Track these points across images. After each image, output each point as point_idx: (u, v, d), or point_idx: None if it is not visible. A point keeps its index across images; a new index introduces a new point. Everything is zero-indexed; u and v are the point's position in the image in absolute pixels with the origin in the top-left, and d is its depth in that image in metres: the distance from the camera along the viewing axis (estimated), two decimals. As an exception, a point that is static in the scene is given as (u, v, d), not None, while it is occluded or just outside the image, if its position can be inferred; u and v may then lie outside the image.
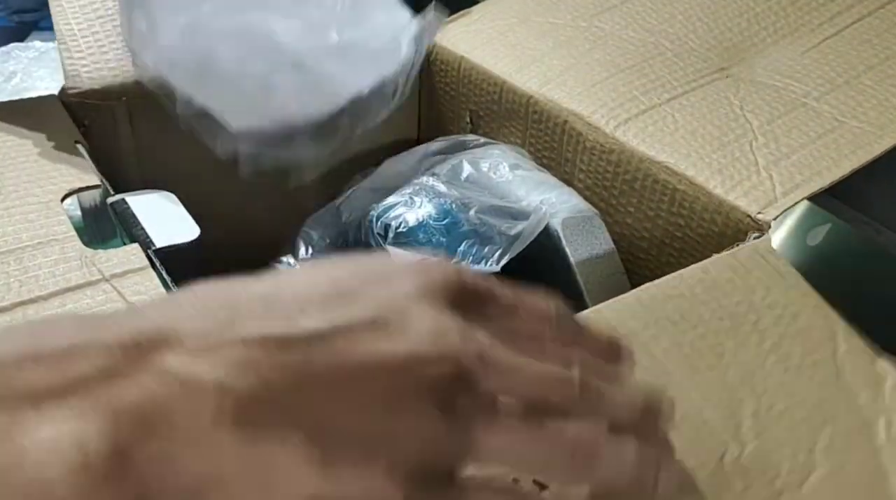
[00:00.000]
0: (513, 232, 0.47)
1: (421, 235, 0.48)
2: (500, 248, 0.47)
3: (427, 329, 0.23)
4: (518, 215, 0.48)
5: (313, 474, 0.21)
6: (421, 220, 0.49)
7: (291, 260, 0.61)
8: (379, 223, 0.50)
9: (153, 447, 0.19)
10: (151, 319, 0.22)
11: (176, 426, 0.20)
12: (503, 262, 0.47)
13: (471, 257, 0.47)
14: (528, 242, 0.47)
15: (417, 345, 0.23)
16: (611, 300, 0.39)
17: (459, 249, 0.48)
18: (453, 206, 0.49)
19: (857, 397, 0.35)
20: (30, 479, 0.18)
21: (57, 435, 0.19)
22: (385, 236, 0.49)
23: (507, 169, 0.54)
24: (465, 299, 0.25)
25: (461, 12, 0.68)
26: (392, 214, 0.50)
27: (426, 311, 0.23)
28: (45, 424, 0.19)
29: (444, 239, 0.48)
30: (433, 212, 0.49)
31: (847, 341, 0.37)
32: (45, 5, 0.61)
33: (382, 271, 0.25)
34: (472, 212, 0.49)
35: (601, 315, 0.38)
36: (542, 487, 0.29)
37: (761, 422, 0.34)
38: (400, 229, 0.49)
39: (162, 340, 0.21)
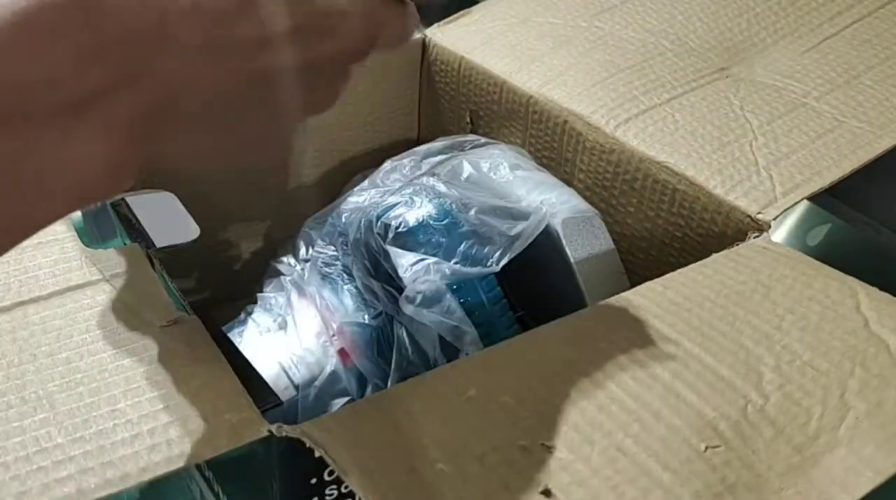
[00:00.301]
0: (513, 232, 0.47)
1: (421, 236, 0.48)
2: (500, 248, 0.47)
3: None
4: (518, 216, 0.48)
5: None
6: (421, 220, 0.49)
7: (292, 260, 0.61)
8: (379, 223, 0.50)
9: None
10: None
11: None
12: (503, 262, 0.47)
13: (470, 258, 0.47)
14: (528, 243, 0.47)
15: None
16: (612, 298, 0.39)
17: (459, 249, 0.48)
18: (453, 206, 0.49)
19: (887, 343, 0.35)
20: None
21: None
22: (385, 236, 0.49)
23: (507, 169, 0.54)
24: None
25: (461, 12, 0.68)
26: (392, 214, 0.50)
27: None
28: None
29: (443, 239, 0.48)
30: (433, 212, 0.49)
31: (870, 296, 0.38)
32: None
33: None
34: (472, 212, 0.49)
35: (602, 314, 0.38)
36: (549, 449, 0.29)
37: (784, 374, 0.34)
38: (400, 229, 0.49)
39: None
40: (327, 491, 0.35)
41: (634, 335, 0.36)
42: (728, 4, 0.63)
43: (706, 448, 0.31)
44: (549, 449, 0.30)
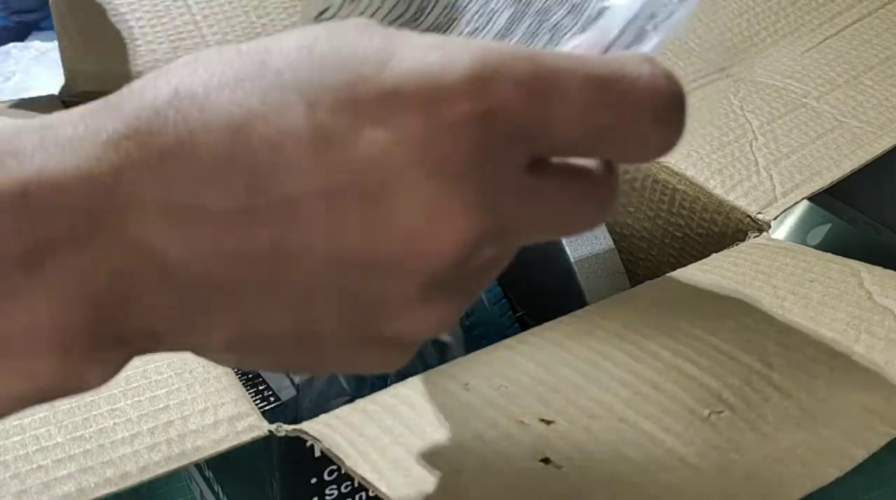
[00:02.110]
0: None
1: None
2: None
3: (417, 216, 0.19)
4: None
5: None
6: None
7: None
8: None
9: None
10: None
11: None
12: None
13: None
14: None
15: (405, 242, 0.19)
16: (612, 297, 0.39)
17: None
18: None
19: (893, 310, 0.35)
20: None
21: None
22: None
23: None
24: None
25: (461, 12, 0.68)
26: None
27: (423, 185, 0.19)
28: None
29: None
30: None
31: (872, 273, 0.38)
32: (45, 5, 0.61)
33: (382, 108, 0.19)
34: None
35: (602, 313, 0.38)
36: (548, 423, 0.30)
37: (788, 345, 0.34)
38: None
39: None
40: (327, 491, 0.35)
41: (634, 323, 0.36)
42: (728, 4, 0.63)
43: (710, 414, 0.31)
44: (547, 423, 0.30)
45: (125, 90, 0.20)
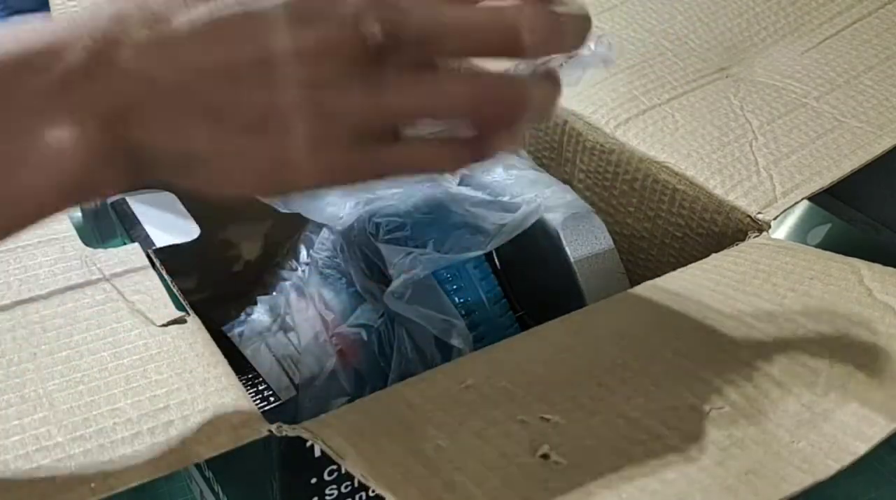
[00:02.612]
0: (504, 222, 0.47)
1: (410, 230, 0.48)
2: (491, 236, 0.47)
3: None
4: (510, 209, 0.48)
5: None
6: (410, 215, 0.49)
7: (293, 263, 0.61)
8: (371, 223, 0.50)
9: None
10: None
11: None
12: (492, 246, 0.47)
13: (460, 246, 0.47)
14: (520, 231, 0.47)
15: (330, 30, 0.25)
16: (612, 297, 0.39)
17: (449, 238, 0.48)
18: (444, 201, 0.49)
19: (893, 307, 0.35)
20: None
21: None
22: (376, 235, 0.49)
23: (501, 169, 0.54)
24: None
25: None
26: (382, 212, 0.50)
27: None
28: None
29: (433, 231, 0.48)
30: (422, 206, 0.49)
31: (872, 270, 0.38)
32: (46, 5, 0.61)
33: None
34: (463, 205, 0.49)
35: (602, 313, 0.38)
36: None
37: (788, 342, 0.34)
38: (389, 227, 0.49)
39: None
40: (327, 491, 0.35)
41: (634, 322, 0.36)
42: (728, 4, 0.63)
43: (710, 410, 0.31)
44: (547, 421, 0.30)
45: None
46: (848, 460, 0.28)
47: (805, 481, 0.27)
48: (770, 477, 0.28)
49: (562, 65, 0.35)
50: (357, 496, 0.36)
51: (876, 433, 0.29)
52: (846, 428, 0.30)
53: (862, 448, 0.29)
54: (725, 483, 0.27)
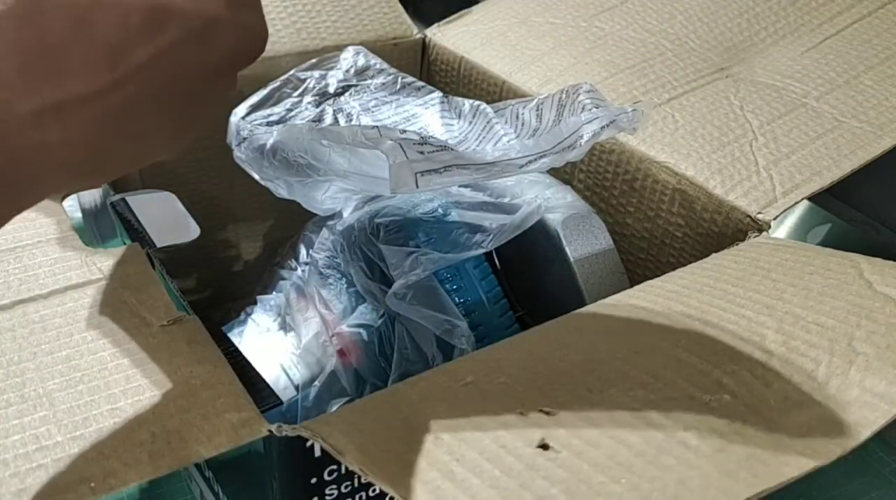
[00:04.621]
0: (505, 222, 0.47)
1: (411, 231, 0.48)
2: (491, 235, 0.47)
3: None
4: (511, 211, 0.48)
5: None
6: (411, 215, 0.49)
7: (293, 263, 0.61)
8: (372, 223, 0.50)
9: None
10: None
11: None
12: (492, 246, 0.47)
13: (461, 246, 0.47)
14: (521, 230, 0.47)
15: None
16: (611, 297, 0.39)
17: (449, 238, 0.48)
18: (445, 200, 0.49)
19: (894, 298, 0.35)
20: None
21: None
22: (377, 236, 0.49)
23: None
24: None
25: (461, 12, 0.68)
26: (383, 213, 0.50)
27: None
28: None
29: (434, 232, 0.48)
30: (424, 207, 0.49)
31: (872, 264, 0.38)
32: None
33: None
34: (464, 207, 0.49)
35: (602, 312, 0.38)
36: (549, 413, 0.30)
37: (787, 333, 0.34)
38: (390, 228, 0.49)
39: None
40: (327, 491, 0.35)
41: (633, 320, 0.37)
42: (728, 4, 0.63)
43: (710, 399, 0.31)
44: (547, 414, 0.30)
45: None
46: (850, 445, 0.28)
47: (807, 465, 0.27)
48: (771, 462, 0.28)
49: (604, 127, 0.38)
50: (357, 496, 0.36)
51: (878, 417, 0.29)
52: (848, 415, 0.30)
53: (864, 433, 0.29)
54: (726, 469, 0.27)
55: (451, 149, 0.41)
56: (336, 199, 0.50)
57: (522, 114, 0.48)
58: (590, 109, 0.41)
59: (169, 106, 0.26)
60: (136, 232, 0.47)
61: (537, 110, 0.48)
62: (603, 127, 0.40)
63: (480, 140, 0.52)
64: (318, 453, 0.33)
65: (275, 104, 0.52)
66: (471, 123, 0.51)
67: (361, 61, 0.56)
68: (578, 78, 0.57)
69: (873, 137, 0.50)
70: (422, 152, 0.39)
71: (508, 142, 0.49)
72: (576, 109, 0.43)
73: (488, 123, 0.50)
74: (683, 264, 0.42)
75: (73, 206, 0.55)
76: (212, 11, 0.25)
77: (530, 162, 0.40)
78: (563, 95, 0.46)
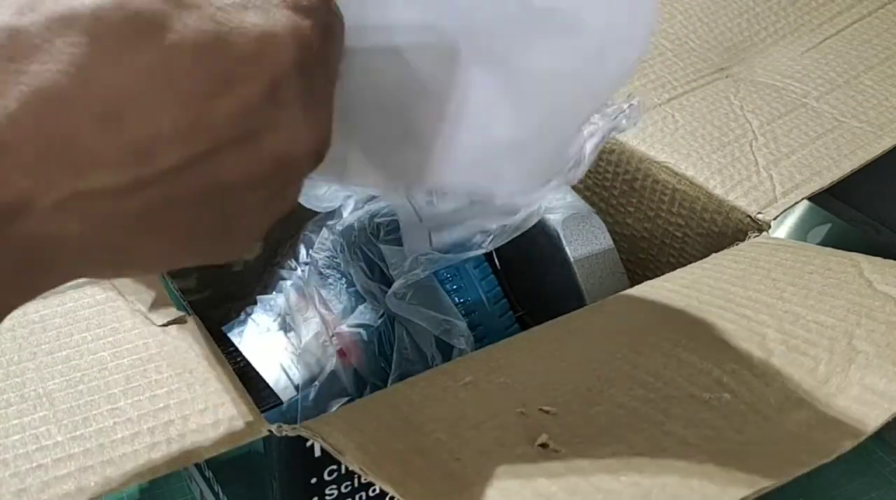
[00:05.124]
0: (505, 222, 0.47)
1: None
2: (491, 235, 0.47)
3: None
4: (511, 211, 0.48)
5: None
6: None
7: (293, 263, 0.61)
8: (372, 223, 0.50)
9: None
10: None
11: None
12: (492, 246, 0.47)
13: (460, 246, 0.47)
14: (521, 231, 0.47)
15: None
16: (612, 297, 0.39)
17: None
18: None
19: (894, 297, 0.35)
20: None
21: None
22: (377, 236, 0.49)
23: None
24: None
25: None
26: (383, 212, 0.50)
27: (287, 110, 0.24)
28: None
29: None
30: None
31: (872, 263, 0.38)
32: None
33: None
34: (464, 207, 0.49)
35: (602, 312, 0.39)
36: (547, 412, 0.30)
37: (787, 332, 0.34)
38: (390, 228, 0.49)
39: None
40: (327, 491, 0.35)
41: (633, 319, 0.37)
42: (728, 4, 0.63)
43: (710, 398, 0.31)
44: (546, 413, 0.31)
45: None
46: (850, 444, 0.28)
47: (807, 463, 0.27)
48: (772, 460, 0.28)
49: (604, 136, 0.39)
50: (357, 496, 0.36)
51: (878, 415, 0.29)
52: (848, 412, 0.30)
53: (864, 431, 0.29)
54: (726, 466, 0.27)
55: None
56: (336, 197, 0.50)
57: None
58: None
59: (205, 213, 0.24)
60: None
61: None
62: (603, 136, 0.40)
63: None
64: (318, 453, 0.33)
65: None
66: None
67: None
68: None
69: (873, 137, 0.50)
70: (431, 203, 0.39)
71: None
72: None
73: None
74: (683, 264, 0.42)
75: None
76: (254, 123, 0.23)
77: (538, 190, 0.41)
78: None
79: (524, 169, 0.35)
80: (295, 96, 0.23)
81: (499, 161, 0.33)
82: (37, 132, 0.20)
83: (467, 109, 0.30)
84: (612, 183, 0.53)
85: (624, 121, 0.41)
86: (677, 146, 0.50)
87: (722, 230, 0.47)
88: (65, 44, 0.20)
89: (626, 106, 0.42)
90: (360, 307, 0.54)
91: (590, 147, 0.41)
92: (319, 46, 0.24)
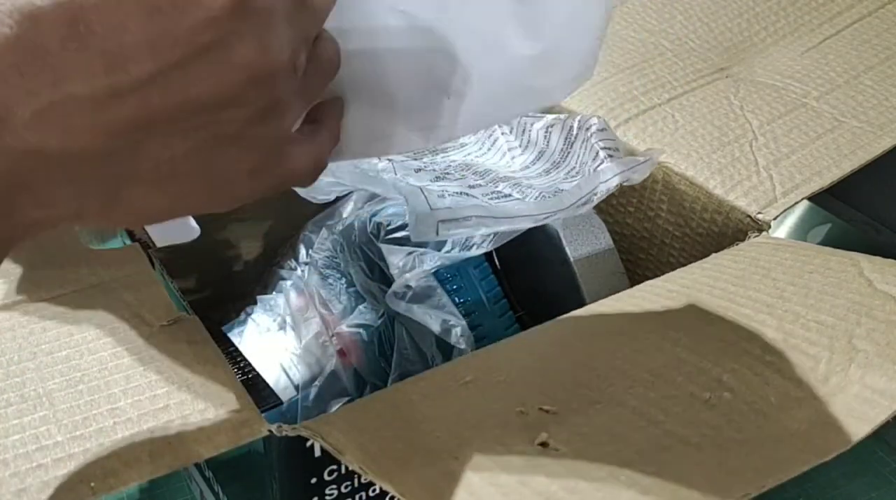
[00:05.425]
0: (506, 228, 0.47)
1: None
2: (491, 235, 0.47)
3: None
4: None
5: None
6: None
7: (293, 263, 0.61)
8: (372, 223, 0.50)
9: None
10: None
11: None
12: (494, 246, 0.47)
13: (460, 246, 0.47)
14: (520, 232, 0.47)
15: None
16: (612, 297, 0.39)
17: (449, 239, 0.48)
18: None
19: (893, 296, 0.35)
20: None
21: None
22: (378, 236, 0.49)
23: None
24: None
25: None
26: (384, 212, 0.50)
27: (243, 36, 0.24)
28: None
29: (433, 233, 0.48)
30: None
31: (872, 262, 0.38)
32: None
33: None
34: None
35: (602, 311, 0.38)
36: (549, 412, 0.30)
37: (787, 331, 0.34)
38: (390, 227, 0.49)
39: None
40: (327, 491, 0.35)
41: (633, 319, 0.37)
42: (728, 4, 0.63)
43: (710, 397, 0.31)
44: (547, 412, 0.31)
45: None
46: (850, 442, 0.28)
47: (807, 461, 0.27)
48: (772, 458, 0.28)
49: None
50: (357, 496, 0.36)
51: (878, 414, 0.29)
52: (848, 411, 0.30)
53: (864, 429, 0.29)
54: (726, 465, 0.27)
55: (471, 196, 0.41)
56: (331, 191, 0.50)
57: (530, 130, 0.50)
58: (603, 159, 0.44)
59: (185, 141, 0.24)
60: (136, 232, 0.47)
61: (546, 131, 0.49)
62: (617, 185, 0.43)
63: (481, 145, 0.52)
64: (318, 453, 0.33)
65: None
66: None
67: None
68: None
69: (873, 137, 0.50)
70: (443, 197, 0.40)
71: (513, 159, 0.49)
72: (588, 149, 0.45)
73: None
74: (683, 263, 0.42)
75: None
76: (220, 32, 0.23)
77: (547, 217, 0.43)
78: (576, 125, 0.47)
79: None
80: (265, 5, 0.24)
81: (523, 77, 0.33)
82: (12, 44, 0.21)
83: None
84: (612, 183, 0.53)
85: (637, 173, 0.44)
86: (677, 146, 0.50)
87: (722, 230, 0.47)
88: None
89: (641, 159, 0.43)
90: (360, 307, 0.54)
91: (603, 190, 0.43)
92: None
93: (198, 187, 0.26)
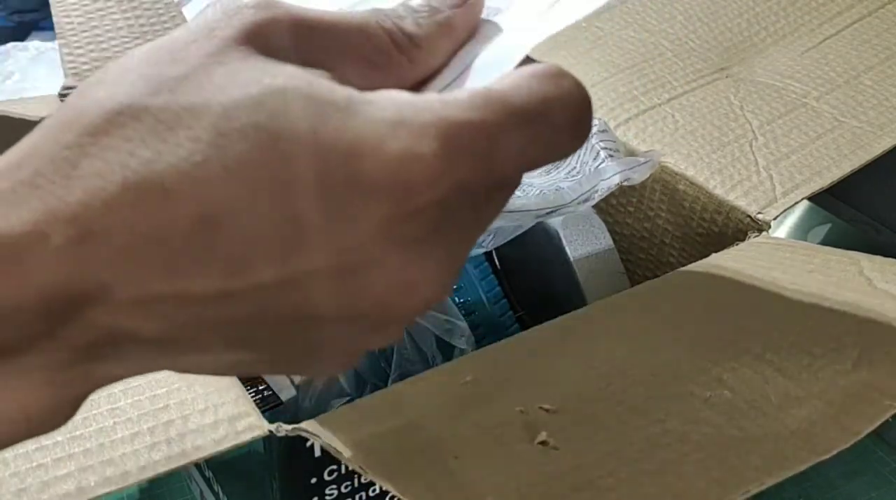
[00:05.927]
0: (505, 223, 0.47)
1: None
2: (491, 235, 0.47)
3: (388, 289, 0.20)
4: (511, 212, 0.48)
5: None
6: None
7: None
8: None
9: None
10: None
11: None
12: (492, 246, 0.47)
13: None
14: (521, 231, 0.47)
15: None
16: (612, 297, 0.39)
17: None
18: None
19: (893, 294, 0.35)
20: None
21: None
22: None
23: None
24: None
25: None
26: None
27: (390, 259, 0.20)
28: None
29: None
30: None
31: (872, 261, 0.38)
32: (46, 5, 0.61)
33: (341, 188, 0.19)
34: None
35: (602, 311, 0.39)
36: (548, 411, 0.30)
37: (787, 332, 0.34)
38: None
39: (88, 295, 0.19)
40: (327, 491, 0.35)
41: (633, 319, 0.37)
42: (728, 4, 0.63)
43: (710, 395, 0.31)
44: (546, 411, 0.31)
45: (58, 167, 0.19)
46: (851, 440, 0.28)
47: (808, 459, 0.27)
48: (771, 456, 0.28)
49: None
50: (357, 496, 0.36)
51: (878, 413, 0.29)
52: (849, 409, 0.30)
53: (865, 428, 0.29)
54: (726, 462, 0.27)
55: None
56: None
57: None
58: (604, 159, 0.44)
59: (291, 334, 0.21)
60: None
61: None
62: (617, 183, 0.43)
63: None
64: (318, 453, 0.33)
65: None
66: None
67: None
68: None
69: (873, 137, 0.50)
70: None
71: None
72: (589, 149, 0.46)
73: None
74: (683, 263, 0.42)
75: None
76: (360, 255, 0.20)
77: (548, 213, 0.42)
78: None
79: None
80: (417, 235, 0.20)
81: None
82: (130, 225, 0.18)
83: None
84: (612, 183, 0.53)
85: (637, 174, 0.43)
86: (677, 146, 0.50)
87: (722, 230, 0.47)
88: (186, 137, 0.19)
89: (642, 159, 0.43)
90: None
91: (603, 187, 0.43)
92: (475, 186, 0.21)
93: (301, 358, 0.23)
